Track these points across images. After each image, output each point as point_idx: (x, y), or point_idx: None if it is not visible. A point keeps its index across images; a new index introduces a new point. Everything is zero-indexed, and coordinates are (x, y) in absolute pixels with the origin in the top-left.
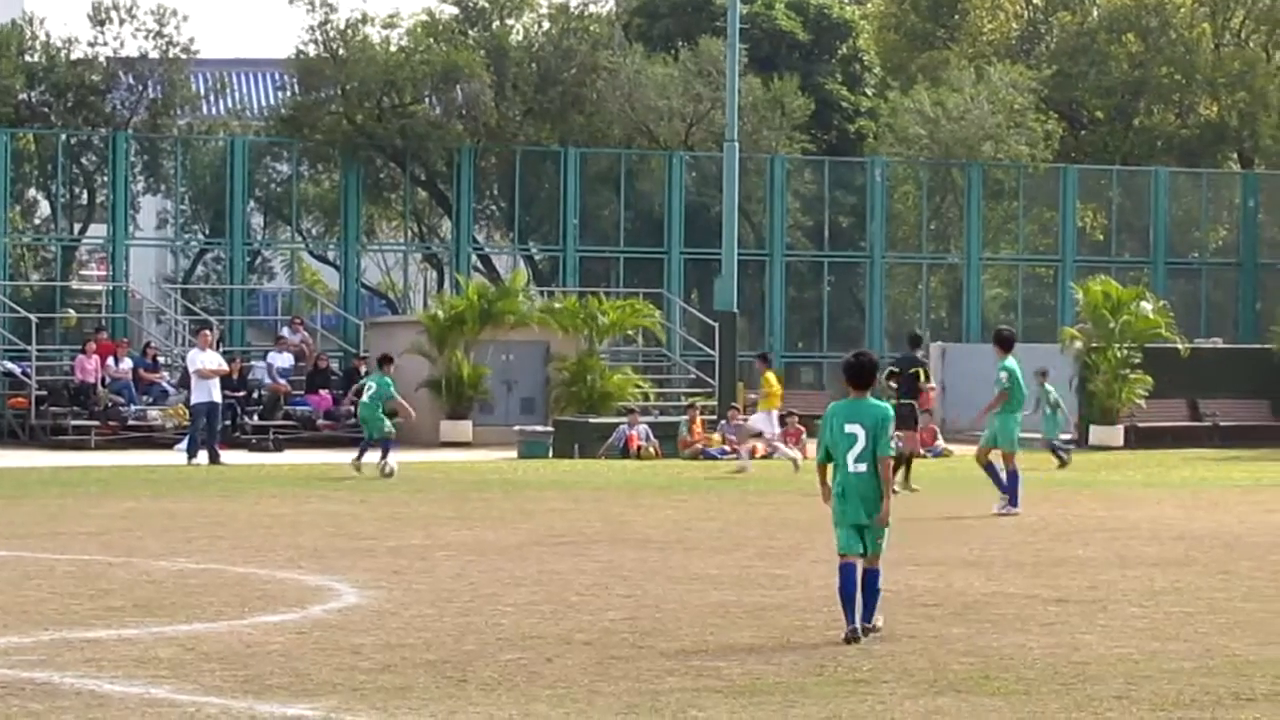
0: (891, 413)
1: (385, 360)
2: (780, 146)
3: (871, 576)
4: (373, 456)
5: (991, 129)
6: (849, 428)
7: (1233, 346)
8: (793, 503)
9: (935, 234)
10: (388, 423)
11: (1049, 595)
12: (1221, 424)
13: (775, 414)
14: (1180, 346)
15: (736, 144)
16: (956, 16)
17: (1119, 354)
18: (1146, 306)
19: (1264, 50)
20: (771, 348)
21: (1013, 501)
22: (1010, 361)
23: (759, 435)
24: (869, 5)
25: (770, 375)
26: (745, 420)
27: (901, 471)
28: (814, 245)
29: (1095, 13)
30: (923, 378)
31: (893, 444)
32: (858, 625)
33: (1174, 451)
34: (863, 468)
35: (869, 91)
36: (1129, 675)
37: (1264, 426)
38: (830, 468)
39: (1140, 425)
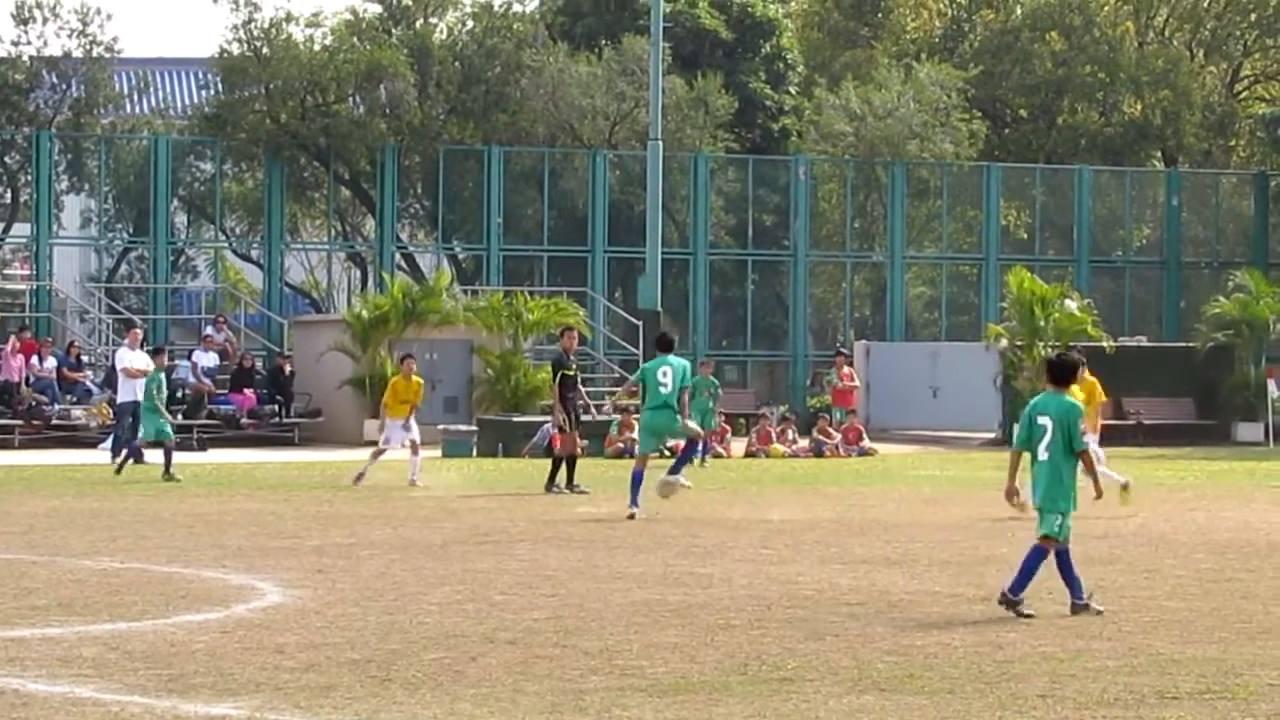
0: (1081, 409)
1: (157, 352)
2: (704, 145)
3: (1034, 553)
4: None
5: (917, 127)
6: (1040, 420)
7: (1157, 345)
8: (715, 501)
9: (859, 232)
10: (164, 423)
11: (973, 594)
12: (1146, 422)
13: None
14: (1105, 345)
15: (660, 142)
16: (879, 15)
17: (1044, 352)
18: (1071, 304)
19: (1187, 48)
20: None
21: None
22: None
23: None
24: (792, 4)
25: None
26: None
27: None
28: (738, 243)
29: (1019, 11)
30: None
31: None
32: (1084, 599)
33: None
34: (1047, 456)
35: (792, 90)
36: (1053, 674)
37: (1188, 425)
38: (1021, 455)
39: None
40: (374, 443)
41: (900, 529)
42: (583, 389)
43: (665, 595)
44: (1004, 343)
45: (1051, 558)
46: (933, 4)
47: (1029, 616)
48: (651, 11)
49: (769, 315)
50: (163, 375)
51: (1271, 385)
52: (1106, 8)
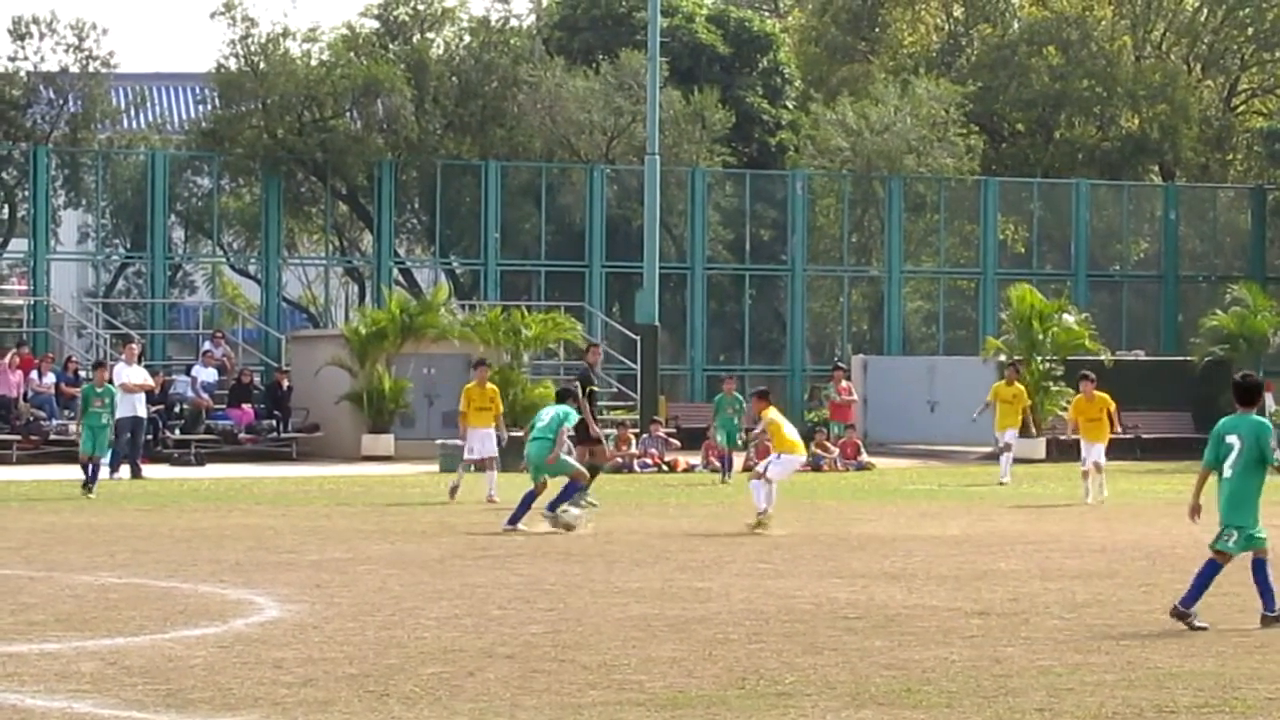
0: (1270, 427)
1: (98, 365)
2: (701, 160)
3: (1255, 566)
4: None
5: (914, 142)
6: (1229, 439)
7: (1154, 359)
8: (714, 516)
9: (856, 247)
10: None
11: (971, 608)
12: (1143, 436)
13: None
14: (1103, 358)
15: (658, 157)
16: (877, 29)
17: (1042, 366)
18: (1069, 318)
19: (1184, 63)
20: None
21: None
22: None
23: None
24: (789, 19)
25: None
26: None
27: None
28: (735, 258)
29: (1016, 25)
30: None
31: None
32: (1192, 612)
33: None
34: (1231, 474)
35: (790, 104)
36: (1051, 688)
37: (1185, 439)
38: (1208, 474)
39: (1062, 438)
40: (372, 457)
41: (898, 543)
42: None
43: (663, 609)
44: (1002, 357)
45: (1251, 568)
46: (930, 18)
47: (1201, 629)
48: (649, 26)
49: (766, 330)
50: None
51: (1269, 399)
52: (1104, 22)
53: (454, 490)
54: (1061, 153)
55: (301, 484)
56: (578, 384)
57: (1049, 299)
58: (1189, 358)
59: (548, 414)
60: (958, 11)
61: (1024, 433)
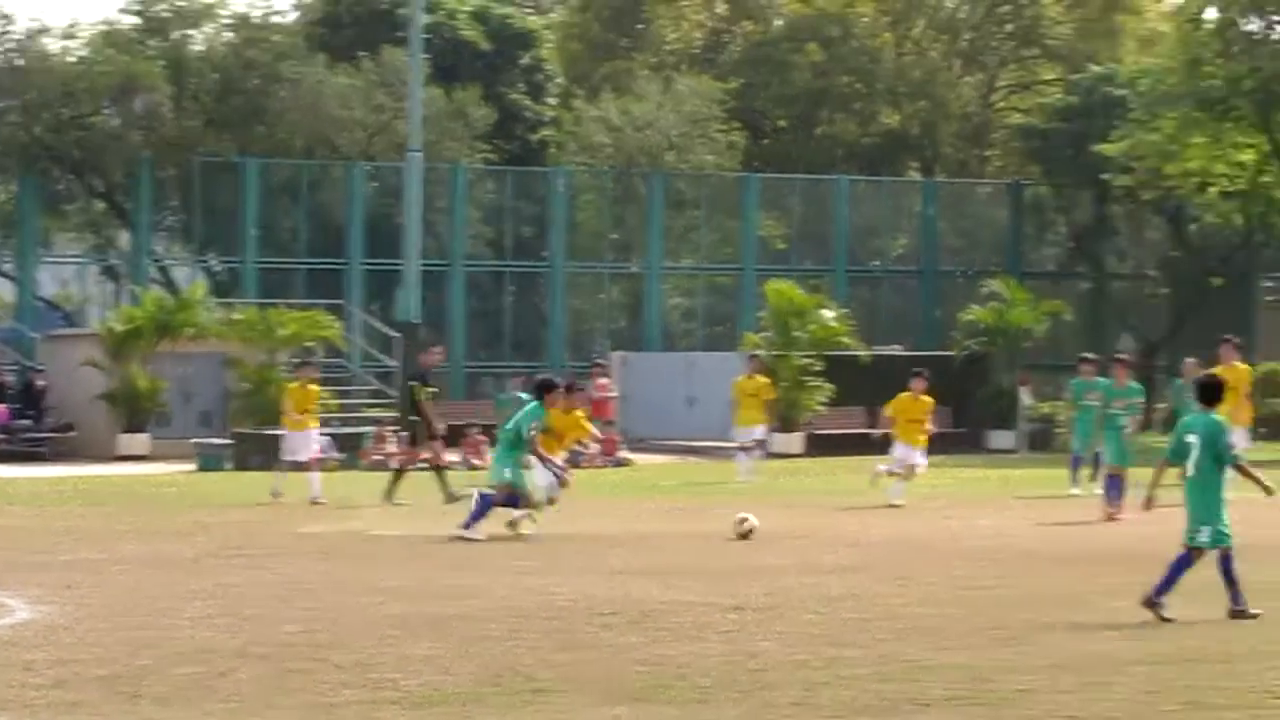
0: (1225, 425)
1: None
2: (462, 157)
3: (1222, 562)
4: None
5: (676, 138)
6: (1188, 437)
7: (913, 353)
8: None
9: (617, 243)
10: None
11: (726, 603)
12: None
13: None
14: (860, 354)
15: (419, 154)
16: (639, 26)
17: (799, 361)
18: (827, 314)
19: (944, 59)
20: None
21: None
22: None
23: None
24: (552, 15)
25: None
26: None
27: (389, 484)
28: (496, 255)
29: (778, 22)
30: (420, 394)
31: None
32: (1243, 604)
33: (854, 458)
34: (1195, 472)
35: (552, 101)
36: (806, 682)
37: (943, 433)
38: (1166, 468)
39: (820, 432)
40: (128, 457)
41: (655, 539)
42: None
43: (421, 608)
44: (760, 352)
45: (1217, 563)
46: (692, 16)
47: (1168, 620)
48: (411, 23)
49: (526, 326)
50: None
51: (1024, 393)
52: (865, 19)
53: (275, 494)
54: (822, 149)
55: (55, 484)
56: (411, 385)
57: (809, 294)
58: (947, 352)
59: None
60: (720, 8)
61: (770, 426)
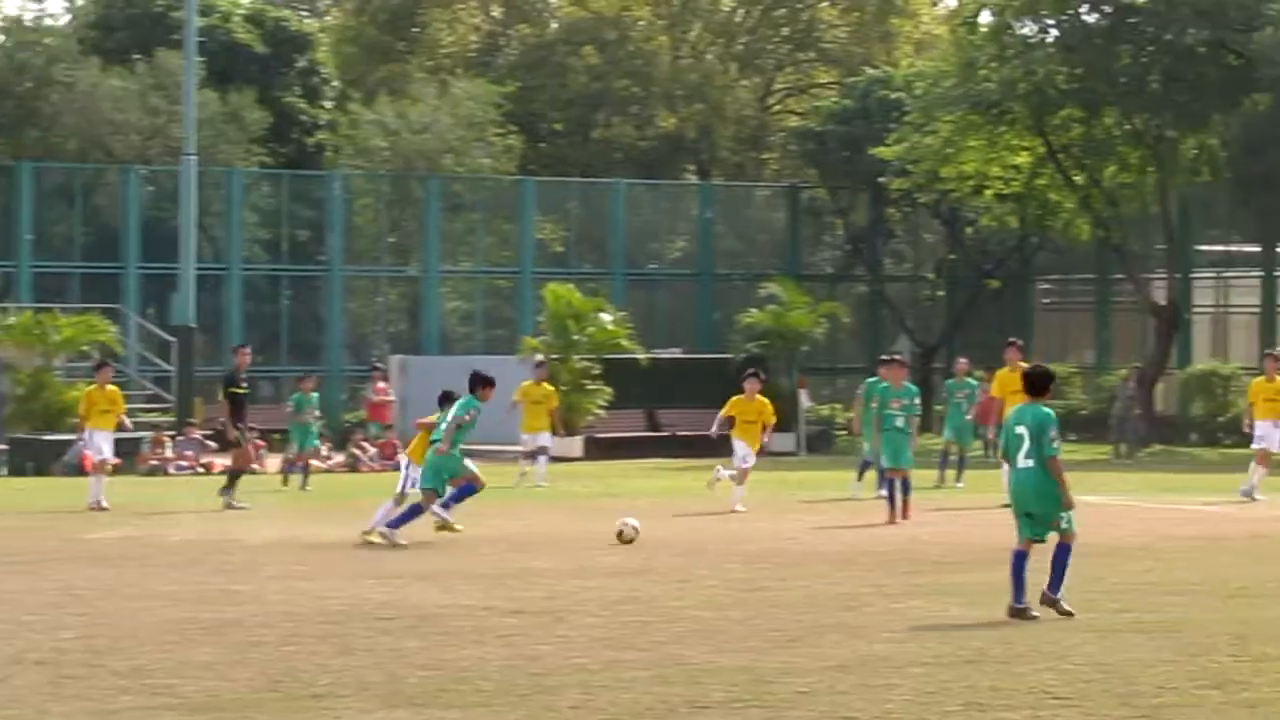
0: (1053, 417)
1: None
2: (238, 160)
3: (1059, 550)
4: None
5: (453, 141)
6: (1018, 429)
7: (691, 356)
8: (247, 518)
9: (395, 247)
10: None
11: (506, 607)
12: (680, 434)
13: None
14: (639, 357)
15: (194, 158)
16: (415, 29)
17: (578, 364)
18: (606, 317)
19: (721, 63)
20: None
21: None
22: None
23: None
24: (327, 18)
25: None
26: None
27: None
28: (272, 259)
29: (554, 25)
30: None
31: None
32: (1026, 604)
33: (633, 462)
34: (1030, 464)
35: (328, 104)
36: (585, 685)
37: (722, 436)
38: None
39: (599, 436)
40: None
41: (433, 543)
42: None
43: (197, 613)
44: (539, 356)
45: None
46: (468, 19)
47: (1069, 614)
48: (185, 26)
49: (304, 330)
50: None
51: (804, 395)
52: (641, 22)
53: (96, 504)
54: (599, 152)
55: None
56: (221, 385)
57: (587, 298)
58: (726, 355)
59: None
60: (496, 11)
61: (553, 432)
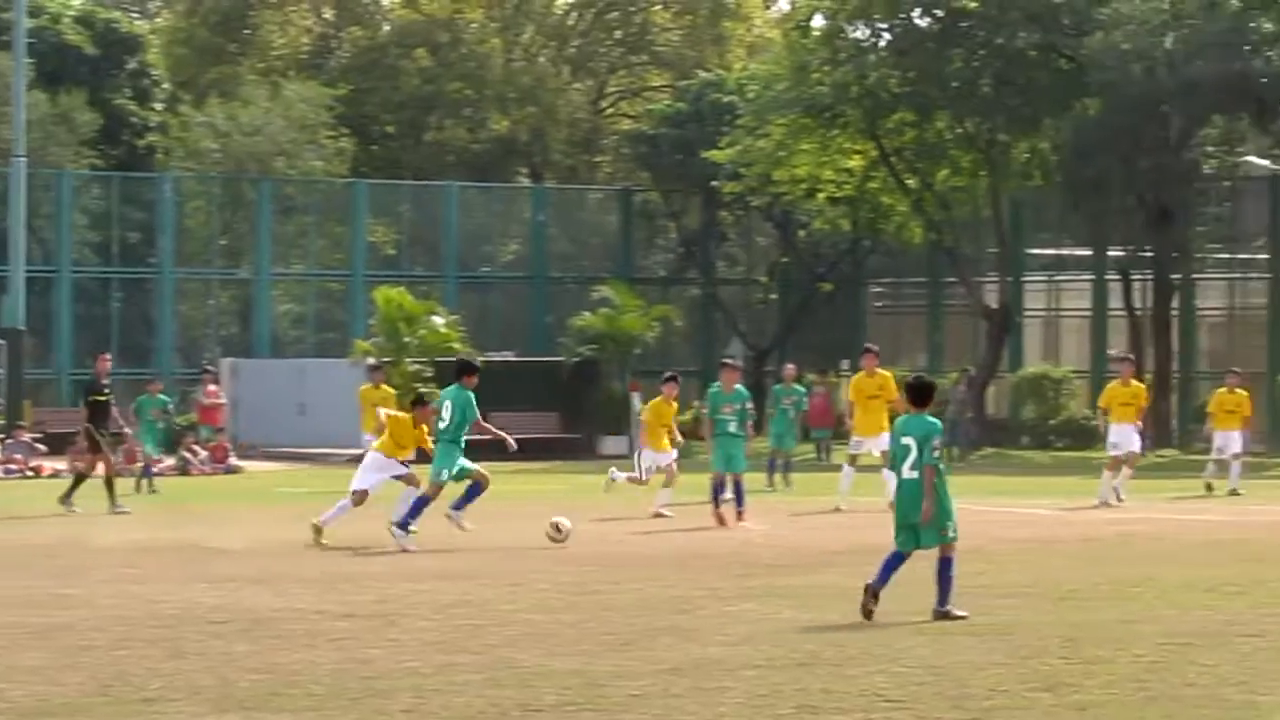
0: (939, 427)
1: None
2: (68, 162)
3: (943, 564)
4: None
5: (285, 144)
6: (904, 440)
7: (524, 359)
8: (75, 521)
9: (226, 249)
10: None
11: (338, 610)
12: (513, 437)
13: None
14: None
15: (24, 160)
16: (247, 31)
17: (410, 368)
18: (438, 320)
19: (553, 65)
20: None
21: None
22: None
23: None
24: (158, 19)
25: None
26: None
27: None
28: (103, 261)
29: (386, 28)
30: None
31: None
32: (877, 593)
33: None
34: (915, 474)
35: (159, 107)
36: (418, 689)
37: (554, 438)
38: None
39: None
40: None
41: (266, 547)
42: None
43: (25, 617)
44: (370, 359)
45: (886, 560)
46: (300, 21)
47: (962, 618)
48: (14, 27)
49: (135, 333)
50: None
51: (635, 399)
52: (474, 25)
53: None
54: (432, 155)
55: None
56: (84, 394)
57: (419, 301)
58: (558, 358)
59: (447, 410)
60: (328, 13)
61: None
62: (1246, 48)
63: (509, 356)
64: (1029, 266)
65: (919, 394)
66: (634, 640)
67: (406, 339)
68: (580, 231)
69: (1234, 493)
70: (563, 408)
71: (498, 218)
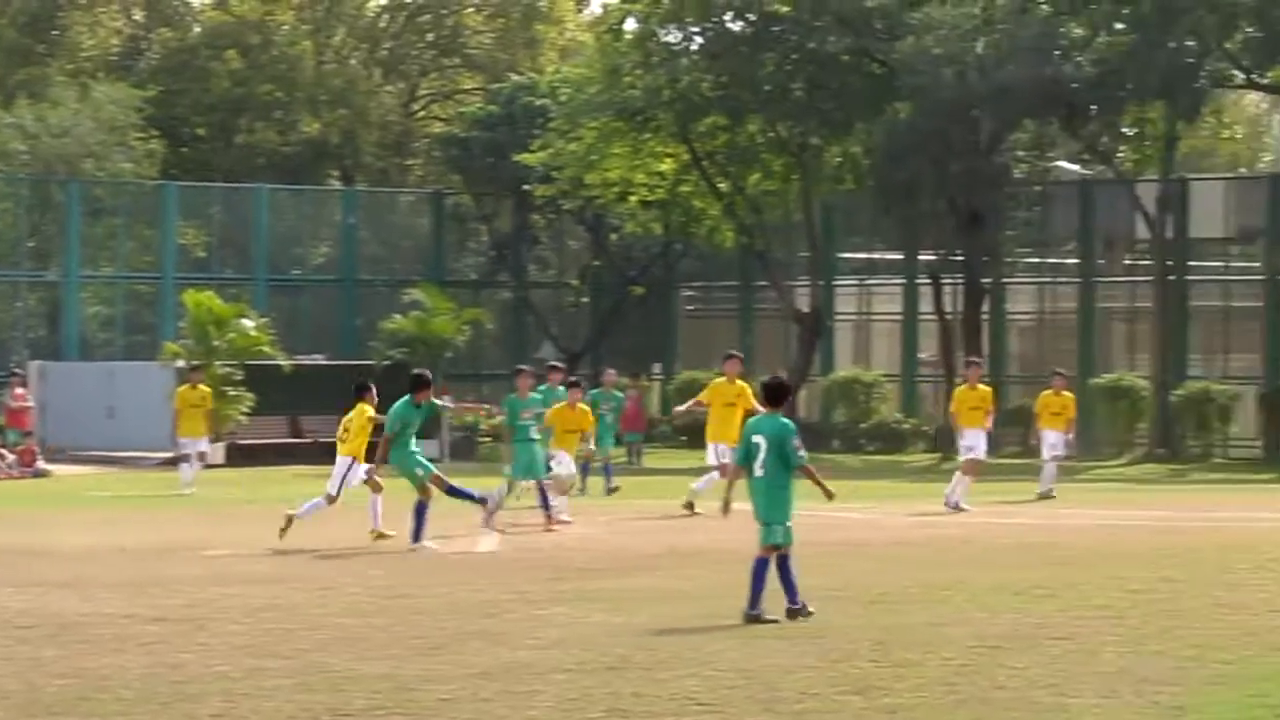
0: (794, 427)
1: None
2: None
3: (781, 562)
4: None
5: (94, 146)
6: (755, 439)
7: (335, 362)
8: None
9: (34, 251)
10: None
11: (148, 615)
12: (322, 440)
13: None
14: (282, 363)
15: None
16: (56, 32)
17: (220, 371)
18: (248, 323)
19: (365, 68)
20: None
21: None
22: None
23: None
24: None
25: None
26: None
27: None
28: None
29: (196, 29)
30: None
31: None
32: (760, 610)
33: (276, 468)
34: (763, 473)
35: None
36: (227, 693)
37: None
38: (740, 472)
39: (242, 442)
40: None
41: (74, 551)
42: None
43: None
44: (180, 362)
45: (775, 563)
46: (109, 22)
47: (773, 621)
48: None
49: None
50: None
51: (447, 402)
52: (285, 27)
53: None
54: (242, 157)
55: None
56: None
57: (229, 304)
58: (369, 361)
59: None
60: (137, 15)
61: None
62: (1057, 53)
63: (319, 360)
64: (840, 270)
65: (774, 394)
66: (444, 644)
67: (216, 342)
68: (391, 234)
69: (1046, 495)
70: (379, 410)
71: (308, 220)
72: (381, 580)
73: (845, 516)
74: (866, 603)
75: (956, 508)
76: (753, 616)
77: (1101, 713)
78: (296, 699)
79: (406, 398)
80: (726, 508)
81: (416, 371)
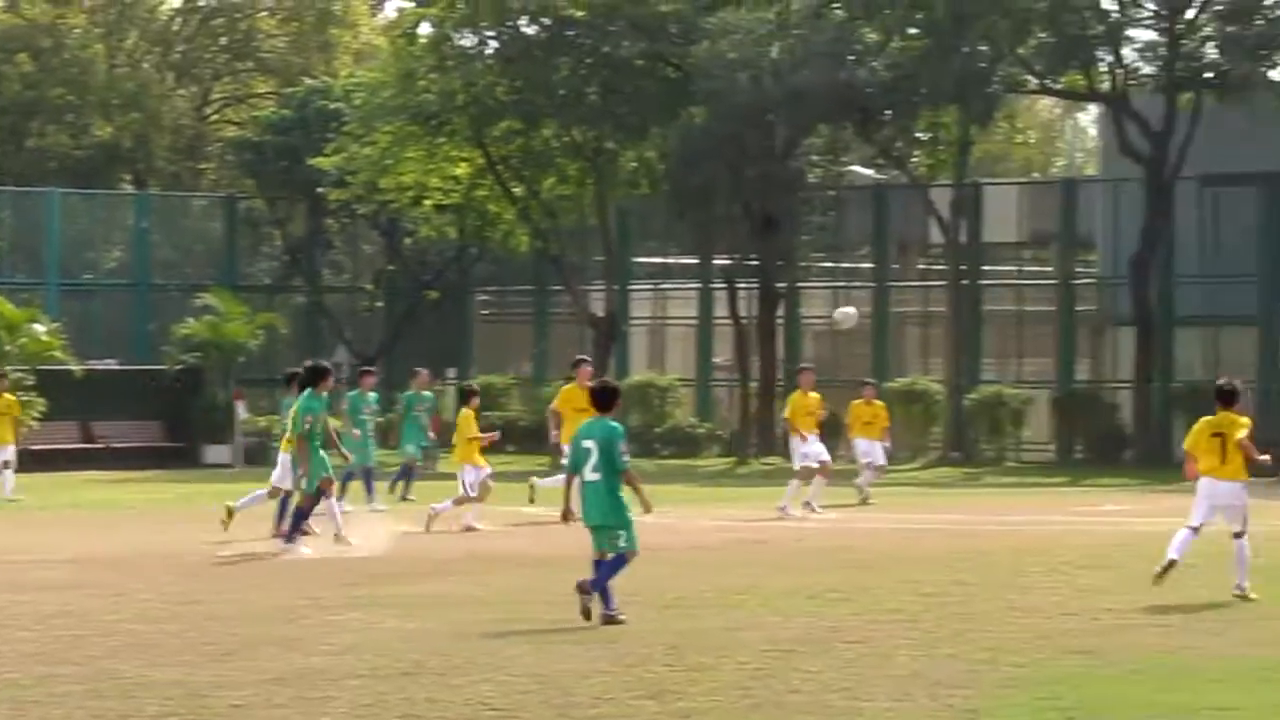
0: (622, 431)
1: None
2: None
3: (606, 562)
4: None
5: None
6: (586, 443)
7: (127, 368)
8: None
9: None
10: None
11: None
12: (115, 445)
13: None
14: (74, 368)
15: None
16: None
17: (12, 376)
18: (39, 328)
19: (157, 71)
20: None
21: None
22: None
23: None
24: None
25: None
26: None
27: None
28: None
29: None
30: None
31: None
32: (615, 609)
33: (67, 474)
34: (596, 477)
35: None
36: (16, 700)
37: (156, 447)
38: (574, 478)
39: (33, 448)
40: None
41: None
42: None
43: None
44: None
45: (593, 565)
46: None
47: (621, 621)
48: None
49: None
50: None
51: (240, 407)
52: (77, 30)
53: None
54: (33, 161)
55: None
56: None
57: (20, 308)
58: (161, 366)
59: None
60: None
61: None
62: (851, 58)
63: (111, 365)
64: (635, 275)
65: (603, 398)
66: (236, 650)
67: (7, 347)
68: (184, 238)
69: (865, 501)
70: (166, 416)
71: (100, 224)
72: (175, 586)
73: (640, 521)
74: (661, 607)
75: (813, 509)
76: (609, 618)
77: (895, 716)
78: (87, 706)
79: (308, 392)
80: (567, 515)
81: (313, 363)
